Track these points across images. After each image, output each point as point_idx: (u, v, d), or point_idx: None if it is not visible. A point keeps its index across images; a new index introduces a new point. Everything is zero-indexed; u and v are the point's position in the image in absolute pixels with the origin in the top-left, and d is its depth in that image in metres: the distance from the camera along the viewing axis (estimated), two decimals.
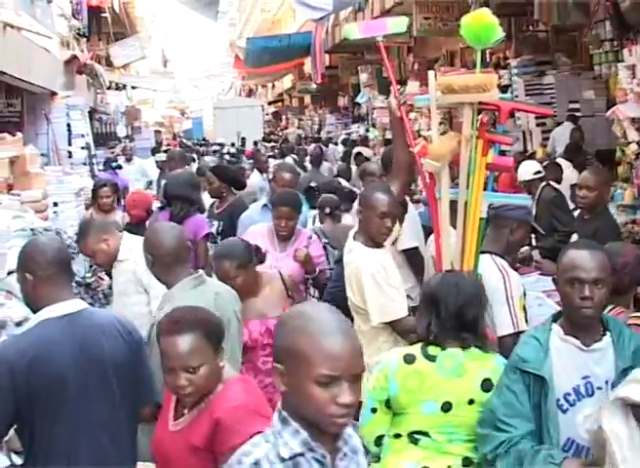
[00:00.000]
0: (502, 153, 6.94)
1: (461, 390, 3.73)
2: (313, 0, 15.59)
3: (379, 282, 4.88)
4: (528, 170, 8.78)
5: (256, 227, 6.77)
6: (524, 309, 4.80)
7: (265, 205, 7.51)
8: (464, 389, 3.74)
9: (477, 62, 4.72)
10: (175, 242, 4.53)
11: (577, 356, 3.53)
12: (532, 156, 11.65)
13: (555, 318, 3.66)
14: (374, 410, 3.82)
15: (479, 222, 4.60)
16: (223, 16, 45.38)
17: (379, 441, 3.86)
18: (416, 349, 3.85)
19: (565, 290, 3.48)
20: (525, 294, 4.91)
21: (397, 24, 5.63)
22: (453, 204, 4.61)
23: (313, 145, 17.89)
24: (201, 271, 4.66)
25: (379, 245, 5.15)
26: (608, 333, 3.55)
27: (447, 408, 3.73)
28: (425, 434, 3.76)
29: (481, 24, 4.64)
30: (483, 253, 4.79)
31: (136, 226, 7.73)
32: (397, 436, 3.82)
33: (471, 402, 3.74)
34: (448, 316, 3.80)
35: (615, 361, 3.50)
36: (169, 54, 60.06)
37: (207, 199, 8.56)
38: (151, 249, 4.55)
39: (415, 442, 3.77)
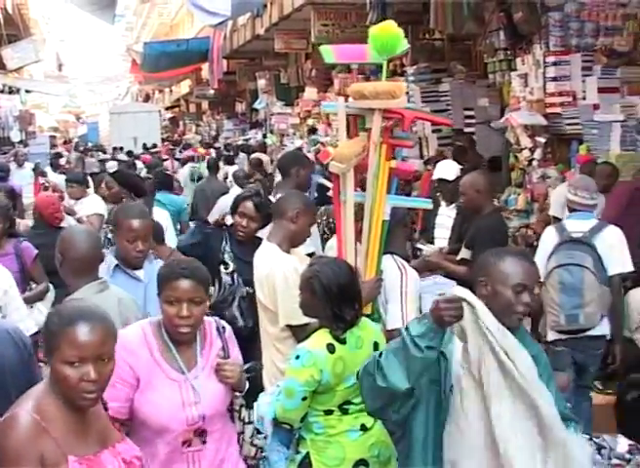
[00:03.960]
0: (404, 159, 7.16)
1: (364, 357, 4.05)
2: (211, 5, 15.53)
3: (290, 286, 4.89)
4: (451, 169, 8.26)
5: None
6: (420, 311, 4.92)
7: None
8: (366, 355, 4.09)
9: (383, 71, 4.93)
10: (88, 249, 4.49)
11: None
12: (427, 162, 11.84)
13: None
14: (304, 399, 4.16)
15: (382, 224, 4.80)
16: (120, 19, 44.77)
17: (303, 418, 4.24)
18: (328, 337, 4.20)
19: (506, 294, 3.51)
20: (421, 297, 5.04)
21: (378, 55, 5.10)
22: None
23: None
24: (105, 277, 4.62)
25: (295, 246, 5.20)
26: None
27: (358, 375, 4.01)
28: (349, 402, 4.22)
29: (387, 35, 4.81)
30: (385, 253, 4.97)
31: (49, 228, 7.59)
32: (328, 412, 4.22)
33: None
34: (337, 298, 4.19)
35: None
36: (64, 57, 59.02)
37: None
38: (63, 250, 4.50)
39: (345, 412, 4.23)
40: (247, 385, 3.99)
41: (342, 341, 4.19)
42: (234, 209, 6.19)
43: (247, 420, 4.06)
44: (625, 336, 7.67)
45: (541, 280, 5.86)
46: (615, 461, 4.60)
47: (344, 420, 4.22)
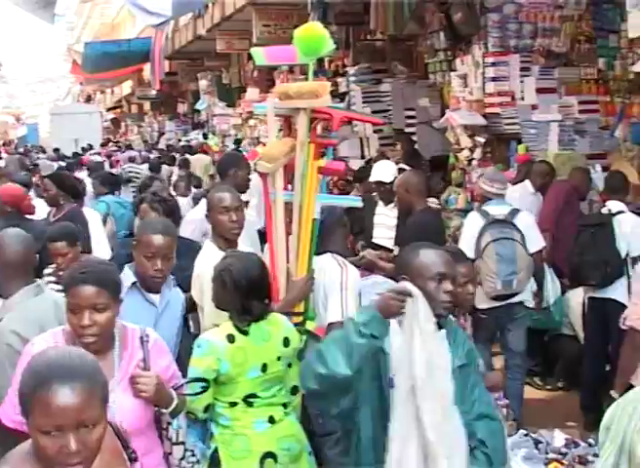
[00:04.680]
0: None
1: (271, 351, 4.29)
2: (151, 5, 15.45)
3: None
4: (388, 171, 8.23)
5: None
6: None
7: None
8: (273, 350, 4.31)
9: (309, 72, 4.99)
10: (17, 253, 4.40)
11: None
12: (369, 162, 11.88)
13: None
14: (204, 388, 4.20)
15: (312, 223, 4.87)
16: (60, 19, 44.37)
17: (206, 408, 4.28)
18: (230, 328, 4.29)
19: (427, 285, 3.56)
20: (360, 296, 5.07)
21: (308, 56, 5.14)
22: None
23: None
24: (39, 280, 4.55)
25: (231, 243, 5.18)
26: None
27: (265, 368, 4.28)
28: (255, 395, 4.26)
29: (312, 36, 4.88)
30: (324, 252, 5.01)
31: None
32: (233, 404, 4.26)
33: (279, 358, 4.33)
34: (246, 291, 4.28)
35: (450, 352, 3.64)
36: (2, 57, 58.34)
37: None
38: None
39: (250, 404, 4.26)
40: (175, 401, 3.63)
41: (245, 333, 4.28)
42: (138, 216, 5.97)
43: (175, 440, 3.67)
44: (566, 334, 7.80)
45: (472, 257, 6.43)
46: (551, 455, 4.66)
47: (250, 412, 4.27)
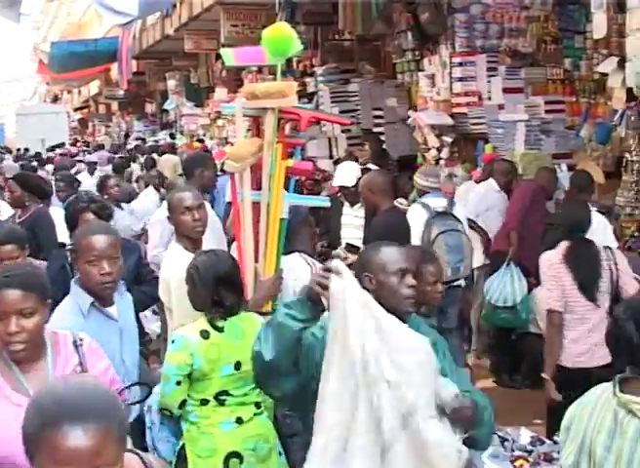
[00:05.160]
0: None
1: (245, 349, 4.07)
2: (118, 5, 15.34)
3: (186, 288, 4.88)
4: (351, 174, 8.17)
5: None
6: None
7: None
8: (247, 348, 4.04)
9: (277, 72, 5.02)
10: None
11: None
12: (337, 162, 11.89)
13: None
14: (178, 383, 4.23)
15: (280, 223, 4.91)
16: (26, 18, 43.88)
17: (182, 404, 4.27)
18: (205, 324, 4.29)
19: (389, 281, 3.59)
20: None
21: (276, 57, 5.14)
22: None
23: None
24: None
25: (196, 243, 5.17)
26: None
27: (238, 366, 4.27)
28: (227, 393, 4.27)
29: (280, 37, 4.91)
30: (291, 252, 5.02)
31: None
32: (204, 402, 4.27)
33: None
34: (215, 286, 4.29)
35: None
36: None
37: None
38: None
39: (222, 403, 4.27)
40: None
41: (219, 329, 4.29)
42: (74, 224, 5.49)
43: None
44: (533, 332, 7.86)
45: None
46: (517, 453, 4.70)
47: (219, 411, 4.28)
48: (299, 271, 4.98)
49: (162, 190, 12.12)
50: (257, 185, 4.98)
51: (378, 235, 6.14)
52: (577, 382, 5.21)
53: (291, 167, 5.05)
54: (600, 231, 6.99)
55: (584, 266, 5.83)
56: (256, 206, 4.95)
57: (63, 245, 6.14)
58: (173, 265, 5.04)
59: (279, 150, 4.93)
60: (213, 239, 5.76)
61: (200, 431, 4.27)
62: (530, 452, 4.67)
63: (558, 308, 5.82)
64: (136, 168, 17.03)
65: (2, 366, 3.22)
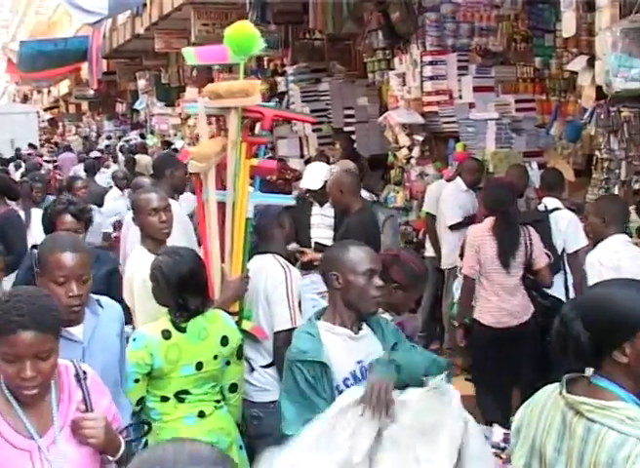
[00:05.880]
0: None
1: (208, 349, 4.27)
2: (87, 3, 15.25)
3: (149, 288, 4.83)
4: (317, 176, 8.02)
5: None
6: (300, 311, 4.99)
7: None
8: (209, 348, 4.30)
9: (240, 71, 4.99)
10: None
11: (348, 344, 3.69)
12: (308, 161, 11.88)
13: (317, 316, 3.81)
14: (137, 380, 4.22)
15: (245, 222, 4.95)
16: None
17: (140, 401, 4.29)
18: (167, 324, 4.28)
19: (358, 281, 3.60)
20: (300, 295, 5.07)
21: (239, 55, 5.20)
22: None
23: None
24: None
25: (161, 244, 5.13)
26: (364, 324, 3.77)
27: (200, 366, 4.28)
28: (187, 392, 4.28)
29: (243, 35, 4.91)
30: (265, 253, 5.01)
31: None
32: (164, 399, 4.29)
33: (215, 357, 4.33)
34: (179, 287, 4.27)
35: (379, 346, 3.72)
36: None
37: None
38: None
39: (181, 400, 4.28)
40: (122, 447, 3.07)
41: (182, 330, 4.27)
42: (51, 227, 5.25)
43: None
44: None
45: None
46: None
47: (180, 408, 4.30)
48: (272, 274, 4.96)
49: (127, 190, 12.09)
50: (221, 185, 4.97)
51: (355, 235, 6.18)
52: (494, 337, 6.59)
53: (255, 166, 5.05)
54: (571, 229, 7.01)
55: (505, 238, 6.66)
56: (221, 206, 4.95)
57: (36, 246, 6.06)
58: (136, 267, 5.02)
59: (243, 149, 4.94)
60: (184, 239, 5.73)
61: (162, 426, 4.25)
62: (503, 449, 4.67)
63: (472, 275, 6.81)
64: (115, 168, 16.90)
65: (2, 401, 2.88)
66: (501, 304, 6.63)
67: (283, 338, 4.78)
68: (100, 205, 11.04)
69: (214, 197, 4.91)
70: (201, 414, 4.31)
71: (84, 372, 3.06)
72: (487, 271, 6.66)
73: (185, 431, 4.23)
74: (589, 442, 2.46)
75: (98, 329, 3.74)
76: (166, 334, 4.24)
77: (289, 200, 5.58)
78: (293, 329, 4.69)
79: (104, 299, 3.89)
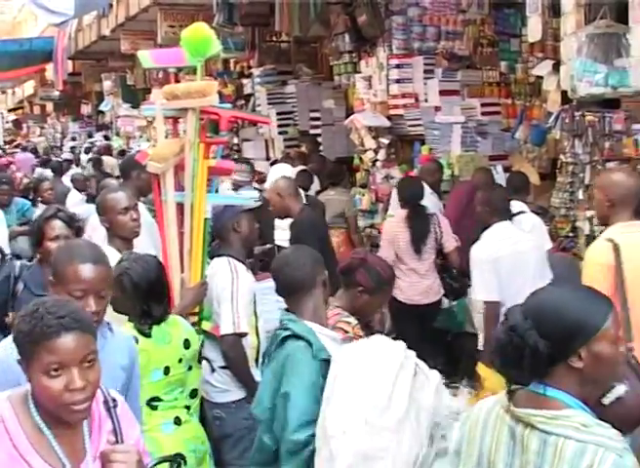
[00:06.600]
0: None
1: (173, 353, 4.24)
2: (53, 4, 15.12)
3: None
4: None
5: None
6: (255, 315, 5.04)
7: None
8: (175, 351, 4.27)
9: (198, 73, 5.02)
10: None
11: (333, 345, 3.63)
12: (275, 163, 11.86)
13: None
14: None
15: (204, 222, 4.96)
16: None
17: None
18: (131, 330, 4.18)
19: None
20: (255, 300, 5.06)
21: (196, 57, 5.13)
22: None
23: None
24: None
25: (129, 244, 5.09)
26: None
27: (167, 371, 4.22)
28: (158, 399, 4.21)
29: (199, 38, 4.92)
30: (221, 255, 5.00)
31: None
32: None
33: (180, 360, 4.28)
34: (146, 294, 4.23)
35: None
36: None
37: None
38: None
39: (154, 408, 4.21)
40: None
41: (147, 335, 4.22)
42: (40, 235, 4.99)
43: None
44: (469, 331, 7.92)
45: None
46: None
47: (155, 415, 4.22)
48: (221, 278, 4.98)
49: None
50: (180, 186, 4.97)
51: (307, 234, 6.29)
52: (408, 312, 7.26)
53: (213, 166, 5.05)
54: (536, 232, 7.04)
55: (417, 227, 7.48)
56: (180, 206, 4.94)
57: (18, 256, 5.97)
58: None
59: (201, 150, 4.94)
60: (150, 241, 5.69)
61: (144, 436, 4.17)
62: None
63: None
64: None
65: (30, 429, 2.52)
66: (414, 285, 7.40)
67: (228, 342, 4.85)
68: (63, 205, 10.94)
69: (172, 198, 4.89)
70: (177, 421, 4.25)
71: (113, 400, 2.73)
72: (402, 257, 7.39)
73: (166, 440, 4.18)
74: (547, 454, 2.40)
75: (100, 353, 3.21)
76: (135, 339, 4.11)
77: (247, 201, 5.47)
78: (237, 334, 4.85)
79: (116, 326, 3.62)
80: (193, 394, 4.52)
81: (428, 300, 7.59)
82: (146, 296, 4.24)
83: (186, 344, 4.35)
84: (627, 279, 4.39)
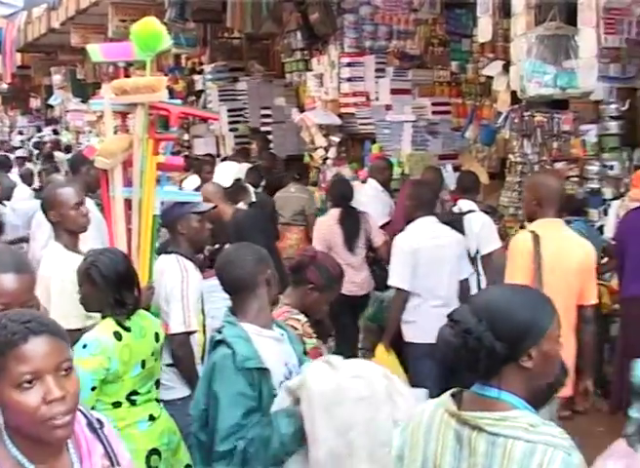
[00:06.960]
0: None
1: (147, 346, 4.25)
2: None
3: (68, 288, 4.66)
4: (228, 174, 8.38)
5: None
6: (202, 312, 5.03)
7: None
8: (148, 345, 4.28)
9: (147, 68, 5.01)
10: None
11: (276, 347, 3.64)
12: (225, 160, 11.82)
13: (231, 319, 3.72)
14: (93, 389, 4.05)
15: (153, 219, 4.92)
16: None
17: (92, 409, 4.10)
18: (114, 325, 4.15)
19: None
20: (203, 298, 5.05)
21: (145, 52, 5.08)
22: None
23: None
24: None
25: (76, 240, 5.02)
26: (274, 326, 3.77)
27: (143, 364, 4.22)
28: (136, 392, 4.20)
29: (149, 32, 4.88)
30: (169, 253, 4.96)
31: None
32: (117, 404, 4.14)
33: (152, 353, 4.30)
34: (117, 284, 4.19)
35: (290, 347, 3.74)
36: None
37: None
38: None
39: (133, 403, 4.19)
40: None
41: (127, 329, 4.19)
42: None
43: None
44: None
45: None
46: None
47: (133, 412, 4.19)
48: (170, 274, 4.93)
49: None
50: (128, 182, 4.93)
51: (249, 232, 6.31)
52: (346, 303, 7.22)
53: (162, 162, 5.02)
54: (485, 231, 7.09)
55: (348, 225, 7.82)
56: (128, 202, 4.90)
57: None
58: (54, 265, 4.89)
59: (150, 146, 4.90)
60: (98, 236, 5.63)
61: (121, 434, 3.95)
62: None
63: None
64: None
65: (10, 465, 2.18)
66: (351, 278, 7.34)
67: (177, 341, 4.82)
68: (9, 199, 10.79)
69: (120, 194, 4.86)
70: (152, 418, 4.25)
71: (98, 421, 2.45)
72: (337, 253, 7.48)
73: (142, 436, 4.16)
74: (495, 456, 2.39)
75: None
76: (117, 336, 4.13)
77: (195, 197, 5.43)
78: (187, 332, 4.84)
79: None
80: (157, 384, 4.51)
81: (363, 292, 7.96)
82: (117, 287, 4.20)
83: (157, 337, 4.36)
84: (544, 264, 4.94)
